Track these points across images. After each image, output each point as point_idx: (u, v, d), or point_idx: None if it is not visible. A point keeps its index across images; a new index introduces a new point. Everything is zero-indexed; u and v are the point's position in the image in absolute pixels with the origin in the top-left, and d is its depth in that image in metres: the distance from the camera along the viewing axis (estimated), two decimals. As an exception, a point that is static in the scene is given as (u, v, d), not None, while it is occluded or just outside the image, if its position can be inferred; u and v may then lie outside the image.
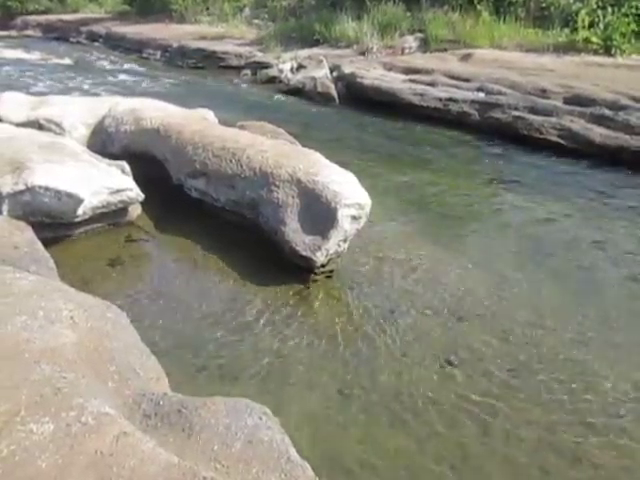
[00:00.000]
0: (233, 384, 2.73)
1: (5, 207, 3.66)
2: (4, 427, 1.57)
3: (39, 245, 3.04)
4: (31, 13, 25.06)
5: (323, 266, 3.53)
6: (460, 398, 2.70)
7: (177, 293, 3.43)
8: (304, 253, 3.43)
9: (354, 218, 3.45)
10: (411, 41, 10.96)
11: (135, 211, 4.17)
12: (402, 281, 3.65)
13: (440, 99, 8.17)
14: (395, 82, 8.99)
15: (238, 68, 12.11)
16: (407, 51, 10.78)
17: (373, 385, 2.78)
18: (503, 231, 4.63)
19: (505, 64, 8.69)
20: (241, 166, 3.81)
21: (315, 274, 3.55)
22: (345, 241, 3.53)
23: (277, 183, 3.59)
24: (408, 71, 9.32)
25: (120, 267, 3.74)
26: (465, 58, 9.36)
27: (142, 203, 4.19)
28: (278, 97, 9.77)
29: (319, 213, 3.43)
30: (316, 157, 3.84)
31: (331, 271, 3.63)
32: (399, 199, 5.24)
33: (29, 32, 22.91)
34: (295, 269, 3.58)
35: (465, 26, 10.37)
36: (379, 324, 3.23)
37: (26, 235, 3.01)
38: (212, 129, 4.34)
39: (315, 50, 11.74)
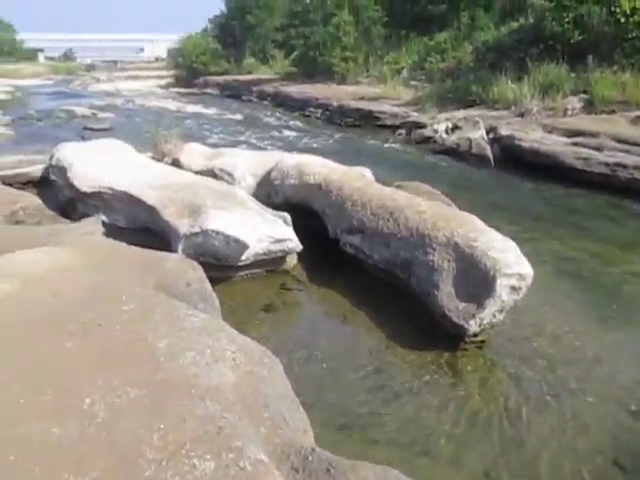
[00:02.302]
0: (374, 448, 2.66)
1: (180, 246, 4.06)
2: (171, 457, 1.67)
3: (208, 284, 3.28)
4: (212, 74, 28.52)
5: (475, 335, 3.38)
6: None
7: (325, 346, 3.48)
8: (456, 320, 3.31)
9: (513, 289, 3.27)
10: (575, 102, 10.46)
11: (292, 260, 4.37)
12: (562, 361, 3.35)
13: (607, 164, 7.61)
14: (556, 145, 8.58)
15: (393, 127, 12.42)
16: (570, 113, 10.28)
17: (525, 474, 2.54)
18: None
19: (684, 127, 7.90)
20: (398, 225, 3.84)
21: (466, 343, 3.40)
22: (501, 312, 3.35)
23: (433, 245, 3.55)
24: (571, 134, 8.86)
25: (273, 313, 3.90)
26: (636, 120, 8.69)
27: (298, 253, 4.39)
28: (432, 157, 9.81)
29: (476, 280, 3.30)
30: (474, 221, 3.75)
31: (483, 341, 3.46)
32: (558, 270, 4.88)
33: (208, 90, 25.97)
34: (445, 335, 3.46)
35: (637, 86, 9.68)
36: (533, 406, 2.97)
37: (197, 274, 3.27)
38: (370, 187, 4.46)
39: (471, 111, 11.70)
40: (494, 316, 3.36)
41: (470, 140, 9.86)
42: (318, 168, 5.00)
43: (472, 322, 3.29)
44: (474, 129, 10.32)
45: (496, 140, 9.65)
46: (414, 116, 12.50)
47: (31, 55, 52.20)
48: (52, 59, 56.33)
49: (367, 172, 5.35)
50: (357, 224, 4.18)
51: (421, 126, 11.63)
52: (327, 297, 4.13)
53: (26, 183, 6.48)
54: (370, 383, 3.15)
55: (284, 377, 2.45)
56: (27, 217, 4.43)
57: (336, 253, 4.49)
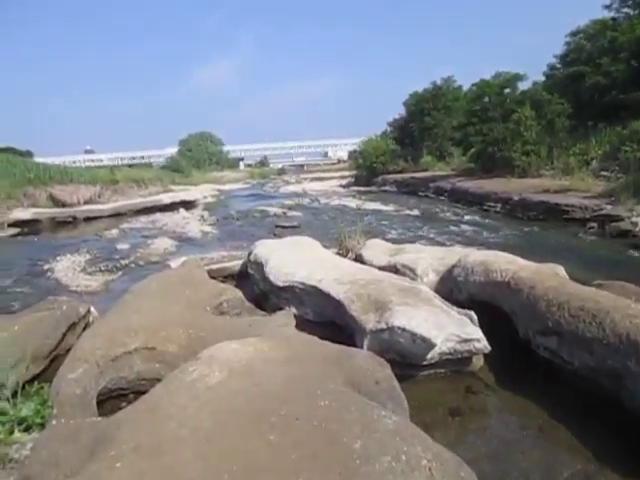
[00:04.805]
0: None
1: (366, 342, 4.11)
2: None
3: (396, 383, 3.23)
4: (389, 172, 30.06)
5: None
6: None
7: (521, 461, 3.15)
8: (687, 447, 2.79)
9: None
10: None
11: (478, 361, 4.15)
12: None
13: None
14: None
15: (582, 221, 11.62)
16: None
17: None
18: None
19: None
20: (603, 330, 3.46)
21: (702, 477, 2.83)
22: None
23: (650, 355, 3.12)
24: None
25: (459, 418, 3.68)
26: None
27: (484, 354, 4.16)
28: (633, 253, 8.86)
29: None
30: (701, 329, 3.22)
31: None
32: None
33: (386, 188, 27.27)
34: (670, 463, 2.93)
35: None
36: None
37: (386, 372, 3.26)
38: (566, 286, 4.13)
39: (679, 202, 10.51)
40: None
41: (681, 234, 8.78)
42: (505, 265, 4.80)
43: None
44: (685, 221, 9.21)
45: None
46: (607, 209, 11.58)
47: (233, 163, 60.73)
48: (250, 165, 64.72)
49: (560, 270, 5.00)
50: (553, 326, 3.85)
51: (617, 219, 10.71)
52: (519, 404, 3.78)
53: (227, 276, 7.27)
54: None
55: (481, 494, 2.27)
56: (230, 308, 4.89)
57: (526, 355, 4.17)
